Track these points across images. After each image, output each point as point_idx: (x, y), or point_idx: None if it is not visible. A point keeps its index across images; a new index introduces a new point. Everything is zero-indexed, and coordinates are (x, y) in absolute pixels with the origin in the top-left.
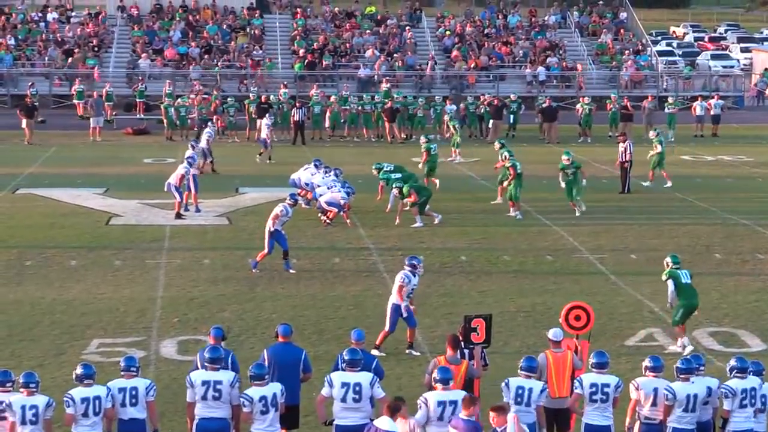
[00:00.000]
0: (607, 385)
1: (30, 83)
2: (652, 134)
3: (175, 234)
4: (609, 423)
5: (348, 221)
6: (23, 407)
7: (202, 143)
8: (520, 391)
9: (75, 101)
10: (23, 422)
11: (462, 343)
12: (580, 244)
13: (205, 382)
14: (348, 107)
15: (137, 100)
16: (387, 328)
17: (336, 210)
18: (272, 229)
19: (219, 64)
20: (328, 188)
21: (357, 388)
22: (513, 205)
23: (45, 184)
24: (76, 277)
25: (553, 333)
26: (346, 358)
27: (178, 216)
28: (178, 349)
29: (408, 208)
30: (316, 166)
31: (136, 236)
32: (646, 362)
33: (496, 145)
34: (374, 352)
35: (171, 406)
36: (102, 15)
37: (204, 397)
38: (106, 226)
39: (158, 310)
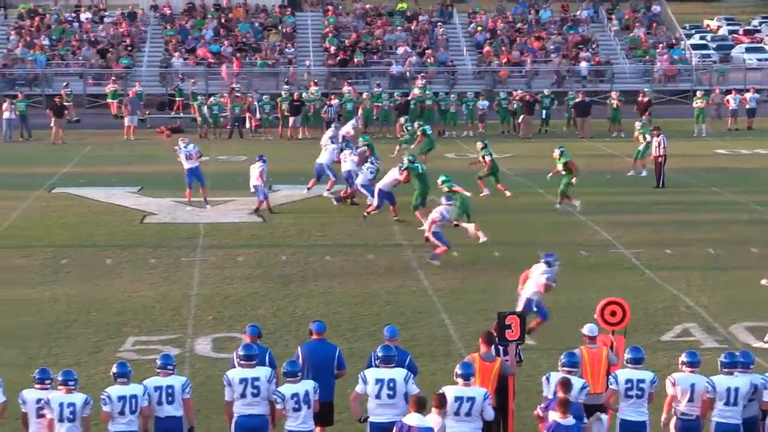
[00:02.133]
0: (643, 381)
1: (64, 83)
2: (638, 125)
3: (209, 232)
4: (644, 419)
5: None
6: (61, 405)
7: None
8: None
9: (109, 100)
10: (61, 419)
11: (496, 339)
12: (615, 239)
13: (242, 380)
14: (380, 104)
15: (177, 98)
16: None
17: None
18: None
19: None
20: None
21: (391, 385)
22: (567, 198)
23: (80, 183)
24: (111, 275)
25: (588, 329)
26: (379, 354)
27: (257, 212)
28: (213, 346)
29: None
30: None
31: (171, 234)
32: (683, 357)
33: (479, 144)
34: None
35: (207, 403)
36: (140, 14)
37: (243, 395)
38: (141, 225)
39: (193, 308)
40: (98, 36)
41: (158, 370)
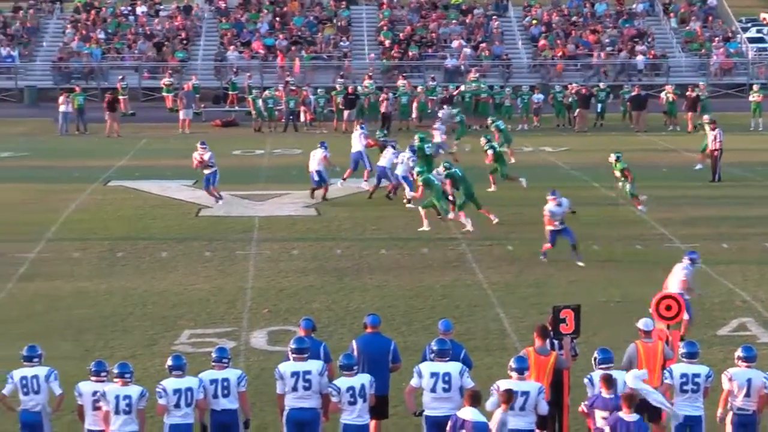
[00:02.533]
0: (698, 375)
1: (120, 77)
2: (706, 118)
3: (264, 225)
4: (700, 413)
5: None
6: (117, 397)
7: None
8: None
9: (164, 94)
10: (117, 412)
11: (551, 333)
12: (671, 234)
13: (294, 373)
14: (434, 97)
15: (230, 92)
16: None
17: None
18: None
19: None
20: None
21: (446, 378)
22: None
23: (135, 176)
24: (167, 268)
25: (643, 323)
26: (434, 348)
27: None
28: (268, 339)
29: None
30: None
31: (226, 228)
32: (739, 352)
33: (482, 140)
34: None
35: (261, 396)
36: (195, 9)
37: (294, 388)
38: (196, 218)
39: (248, 301)
40: (154, 29)
41: (213, 364)
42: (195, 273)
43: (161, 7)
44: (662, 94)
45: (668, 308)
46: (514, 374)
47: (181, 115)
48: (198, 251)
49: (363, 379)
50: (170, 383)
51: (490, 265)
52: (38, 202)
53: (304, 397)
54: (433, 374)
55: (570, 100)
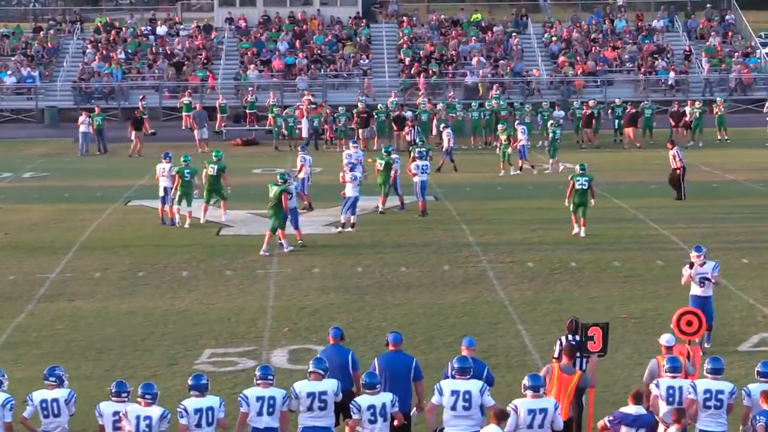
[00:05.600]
0: (722, 392)
1: (141, 96)
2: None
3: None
4: (723, 429)
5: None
6: (138, 417)
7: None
8: (671, 391)
9: (183, 113)
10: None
11: (578, 351)
12: (690, 248)
13: (310, 394)
14: (454, 114)
15: (247, 111)
16: None
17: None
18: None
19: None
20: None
21: (467, 396)
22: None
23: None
24: (187, 287)
25: (665, 339)
26: (455, 365)
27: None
28: (289, 358)
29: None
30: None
31: (247, 246)
32: (758, 368)
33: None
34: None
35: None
36: (213, 33)
37: (310, 408)
38: (217, 237)
39: (269, 320)
40: (174, 49)
41: (258, 382)
42: (216, 292)
43: (181, 26)
44: (687, 110)
45: (689, 324)
46: (529, 392)
47: (196, 135)
48: (219, 270)
49: (385, 398)
50: (191, 403)
51: (510, 282)
52: (59, 221)
53: (319, 416)
54: (454, 392)
55: (589, 113)
